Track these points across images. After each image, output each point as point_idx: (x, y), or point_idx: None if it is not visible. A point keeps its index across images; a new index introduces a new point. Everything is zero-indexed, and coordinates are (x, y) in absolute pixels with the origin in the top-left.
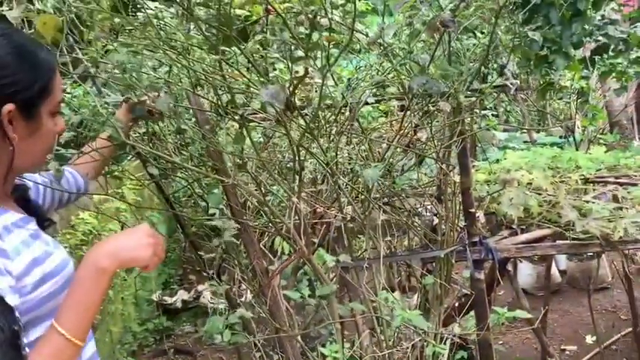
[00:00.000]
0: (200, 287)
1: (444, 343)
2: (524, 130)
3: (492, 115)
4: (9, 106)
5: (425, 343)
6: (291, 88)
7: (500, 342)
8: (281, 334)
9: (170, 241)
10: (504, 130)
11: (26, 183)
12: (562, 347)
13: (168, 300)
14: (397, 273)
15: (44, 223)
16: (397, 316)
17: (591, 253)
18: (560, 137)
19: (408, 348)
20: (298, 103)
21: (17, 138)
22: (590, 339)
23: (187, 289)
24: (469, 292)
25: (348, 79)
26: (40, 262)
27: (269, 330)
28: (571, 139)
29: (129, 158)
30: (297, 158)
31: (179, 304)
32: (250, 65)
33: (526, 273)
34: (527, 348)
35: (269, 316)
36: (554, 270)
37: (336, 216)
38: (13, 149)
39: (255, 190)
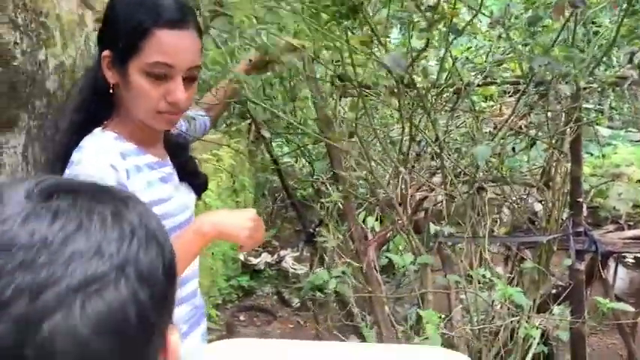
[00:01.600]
0: (282, 252)
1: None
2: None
3: (597, 110)
4: (106, 52)
5: (517, 326)
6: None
7: None
8: (373, 295)
9: (256, 206)
10: (609, 127)
11: (185, 137)
12: None
13: (253, 261)
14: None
15: (187, 175)
16: (498, 290)
17: None
18: None
19: (501, 326)
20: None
21: (115, 84)
22: None
23: (271, 253)
24: (564, 284)
25: (455, 58)
26: (160, 203)
27: (356, 296)
28: None
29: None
30: (410, 130)
31: (262, 266)
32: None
33: (618, 277)
34: (611, 353)
35: (363, 279)
36: None
37: (433, 190)
38: (113, 92)
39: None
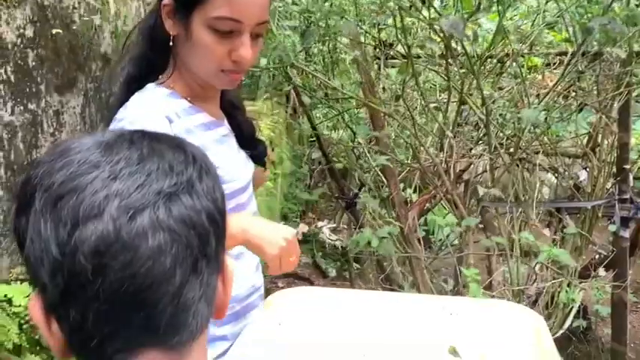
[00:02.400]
0: (319, 223)
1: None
2: None
3: None
4: (167, 0)
5: (558, 290)
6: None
7: None
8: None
9: (294, 179)
10: None
11: (238, 95)
12: None
13: None
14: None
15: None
16: (542, 252)
17: None
18: None
19: (543, 289)
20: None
21: (176, 35)
22: None
23: (308, 224)
24: (606, 253)
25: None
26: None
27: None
28: None
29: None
30: (460, 95)
31: (300, 237)
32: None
33: None
34: None
35: (404, 242)
36: None
37: (476, 157)
38: (172, 43)
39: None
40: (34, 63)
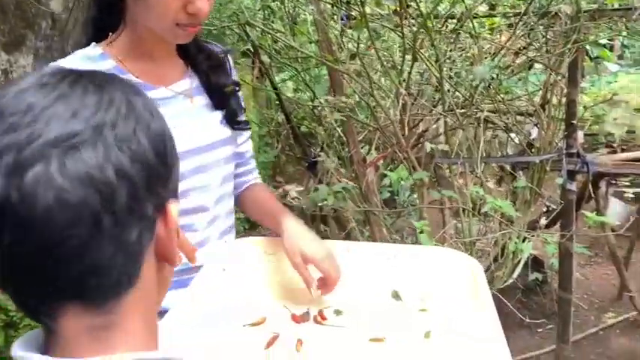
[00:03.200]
0: (287, 187)
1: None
2: None
3: (606, 45)
4: None
5: (508, 241)
6: None
7: (578, 273)
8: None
9: (261, 144)
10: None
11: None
12: None
13: None
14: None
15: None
16: (488, 203)
17: None
18: None
19: (491, 240)
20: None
21: None
22: None
23: (276, 187)
24: (555, 207)
25: None
26: None
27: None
28: None
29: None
30: (413, 52)
31: None
32: None
33: (616, 211)
34: (605, 283)
35: (362, 198)
36: None
37: (431, 113)
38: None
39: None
40: None
